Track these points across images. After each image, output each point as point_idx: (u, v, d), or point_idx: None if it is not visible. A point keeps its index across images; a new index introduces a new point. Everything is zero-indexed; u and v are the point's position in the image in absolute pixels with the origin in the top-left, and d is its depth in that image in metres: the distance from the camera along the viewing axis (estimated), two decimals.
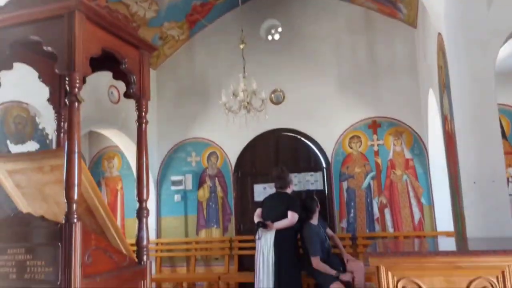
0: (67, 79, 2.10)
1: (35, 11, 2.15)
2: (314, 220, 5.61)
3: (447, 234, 5.67)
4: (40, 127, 4.74)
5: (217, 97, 6.52)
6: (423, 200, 6.12)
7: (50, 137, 4.82)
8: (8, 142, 4.31)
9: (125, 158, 7.12)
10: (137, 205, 2.61)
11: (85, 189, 2.26)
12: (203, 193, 7.04)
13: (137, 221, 2.58)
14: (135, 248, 2.64)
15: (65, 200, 2.04)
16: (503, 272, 2.00)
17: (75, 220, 2.02)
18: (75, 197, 2.04)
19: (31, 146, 4.57)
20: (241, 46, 5.59)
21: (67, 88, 2.09)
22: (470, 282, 2.04)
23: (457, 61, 3.08)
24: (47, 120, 4.74)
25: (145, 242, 2.56)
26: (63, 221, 2.03)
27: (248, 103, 5.37)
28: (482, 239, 2.69)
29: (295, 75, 6.79)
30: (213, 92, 7.01)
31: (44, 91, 2.81)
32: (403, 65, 6.36)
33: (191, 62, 7.32)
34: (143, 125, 2.64)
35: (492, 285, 2.01)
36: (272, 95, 6.83)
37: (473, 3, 3.06)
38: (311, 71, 6.73)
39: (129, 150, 6.78)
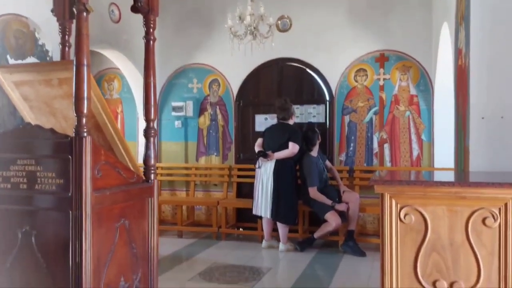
0: None
1: None
2: (314, 152, 5.68)
3: (445, 170, 5.77)
4: (40, 42, 4.60)
5: (222, 22, 6.29)
6: (423, 137, 6.16)
7: (50, 53, 4.69)
8: (8, 56, 4.19)
9: (125, 80, 7.01)
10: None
11: (94, 104, 2.23)
12: (204, 120, 7.03)
13: (143, 141, 2.58)
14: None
15: (75, 114, 2.02)
16: (506, 204, 2.04)
17: (85, 134, 2.01)
18: (85, 111, 2.01)
19: (32, 61, 4.46)
20: None
21: None
22: (473, 213, 2.09)
23: None
24: (47, 36, 4.59)
25: (152, 161, 2.58)
26: (73, 135, 2.02)
27: (255, 28, 5.19)
28: (486, 173, 2.73)
29: (304, 1, 6.51)
30: (218, 16, 6.75)
31: (43, 4, 2.67)
32: None
33: None
34: (151, 42, 2.55)
35: (494, 216, 2.06)
36: (279, 22, 6.59)
37: None
38: None
39: (130, 73, 6.66)
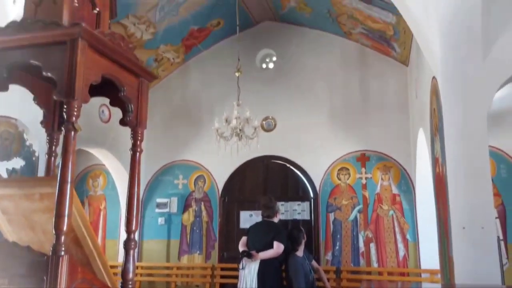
0: (65, 106, 2.07)
1: (37, 36, 2.13)
2: (300, 252, 5.55)
3: (431, 272, 5.67)
4: (28, 143, 4.65)
5: (208, 122, 6.52)
6: (408, 237, 6.13)
7: (37, 153, 4.72)
8: None
9: (110, 177, 7.01)
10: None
11: (74, 217, 2.20)
12: (188, 217, 6.94)
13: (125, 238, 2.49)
14: (114, 270, 2.56)
15: (53, 231, 1.98)
16: None
17: (63, 252, 1.96)
18: (64, 228, 1.98)
19: (17, 162, 4.47)
20: (237, 74, 5.62)
21: (65, 115, 2.05)
22: None
23: (451, 106, 3.12)
24: (35, 137, 4.66)
25: (131, 275, 2.47)
26: (50, 252, 1.97)
27: (240, 130, 5.37)
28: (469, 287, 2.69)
29: (288, 104, 6.84)
30: (204, 116, 7.01)
31: (33, 107, 2.75)
32: (394, 101, 6.46)
33: (185, 85, 7.33)
34: (138, 153, 2.59)
35: None
36: (264, 122, 6.85)
37: (469, 50, 3.13)
38: (303, 101, 6.79)
39: (116, 169, 6.68)
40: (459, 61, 3.13)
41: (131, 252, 2.50)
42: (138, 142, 2.60)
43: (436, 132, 3.61)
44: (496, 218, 5.87)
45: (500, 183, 5.89)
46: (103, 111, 5.97)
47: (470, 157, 3.01)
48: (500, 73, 3.08)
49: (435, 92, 3.57)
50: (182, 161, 7.13)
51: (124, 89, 2.45)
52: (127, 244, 2.50)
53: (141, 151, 2.61)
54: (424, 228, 5.92)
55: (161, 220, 6.96)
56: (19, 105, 4.47)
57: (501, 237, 5.82)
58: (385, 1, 4.73)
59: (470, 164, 3.00)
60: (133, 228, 2.53)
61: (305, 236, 5.64)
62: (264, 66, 7.23)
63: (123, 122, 2.62)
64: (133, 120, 2.56)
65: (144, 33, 5.88)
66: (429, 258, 5.72)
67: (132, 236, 2.53)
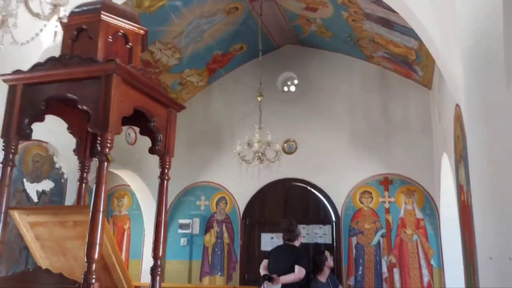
0: (99, 138, 2.16)
1: (74, 71, 2.24)
2: (323, 277, 5.45)
3: None
4: (57, 166, 4.81)
5: (229, 144, 6.60)
6: (433, 262, 6.01)
7: (65, 176, 4.88)
8: (24, 180, 4.36)
9: (135, 198, 7.14)
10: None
11: (105, 245, 2.27)
12: (210, 238, 6.98)
13: (148, 258, 2.55)
14: None
15: (85, 259, 2.05)
16: None
17: (93, 281, 2.02)
18: (95, 257, 2.05)
19: (47, 184, 4.62)
20: (259, 99, 5.71)
21: (98, 147, 2.15)
22: None
23: (475, 135, 3.11)
24: (64, 160, 4.81)
25: None
26: (81, 279, 2.04)
27: (262, 153, 5.42)
28: None
29: (309, 126, 6.88)
30: (226, 138, 7.10)
31: (62, 131, 2.87)
32: (416, 124, 6.43)
33: (208, 108, 7.47)
34: (165, 181, 2.67)
35: None
36: (285, 145, 6.90)
37: (492, 78, 3.11)
38: (324, 124, 6.82)
39: (140, 191, 6.81)
40: (482, 89, 3.12)
41: (157, 278, 2.56)
42: (166, 170, 2.69)
43: (461, 159, 3.58)
44: None
45: None
46: (129, 134, 6.13)
47: (497, 185, 2.98)
48: None
49: (458, 120, 3.56)
50: (204, 182, 7.21)
51: (154, 120, 2.55)
52: (154, 270, 2.56)
53: (168, 179, 2.69)
54: (449, 254, 5.81)
55: (183, 241, 7.01)
56: (49, 129, 4.63)
57: None
58: (406, 27, 4.76)
59: (496, 194, 2.96)
60: (160, 254, 2.59)
61: (330, 260, 5.45)
62: (286, 89, 7.32)
63: (152, 151, 2.71)
64: (162, 149, 2.65)
65: (170, 59, 6.06)
66: (455, 284, 5.58)
67: (158, 262, 2.59)
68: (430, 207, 6.18)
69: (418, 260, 6.08)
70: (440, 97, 5.14)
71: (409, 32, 4.89)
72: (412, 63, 5.96)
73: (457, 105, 3.55)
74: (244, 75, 7.26)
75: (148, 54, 5.70)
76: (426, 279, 6.00)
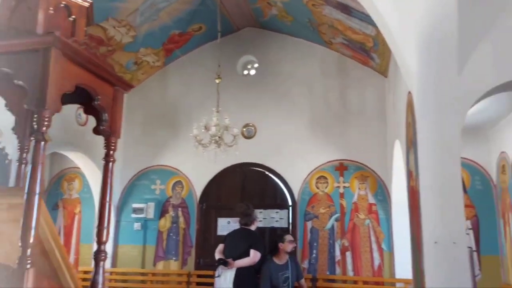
0: (35, 115, 2.02)
1: (9, 44, 2.08)
2: (280, 260, 5.33)
3: (405, 281, 5.74)
4: (0, 146, 4.54)
5: (187, 127, 6.47)
6: (383, 246, 6.20)
7: (9, 157, 4.61)
8: None
9: (86, 180, 6.89)
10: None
11: (43, 230, 2.15)
12: (165, 223, 6.87)
13: (93, 264, 2.46)
14: (87, 276, 2.51)
15: (20, 243, 1.93)
16: None
17: (28, 265, 1.91)
18: (31, 240, 1.93)
19: None
20: (217, 81, 5.61)
21: (35, 125, 2.01)
22: None
23: (425, 121, 3.17)
24: (9, 139, 4.54)
25: (100, 287, 2.43)
26: (16, 264, 1.92)
27: (219, 137, 5.35)
28: None
29: (269, 111, 6.85)
30: (183, 121, 6.96)
31: (7, 111, 2.69)
32: (372, 111, 6.54)
33: (164, 90, 7.28)
34: (110, 163, 2.56)
35: None
36: (244, 129, 6.85)
37: (445, 66, 3.18)
38: (284, 108, 6.81)
39: (92, 173, 6.58)
40: (434, 77, 3.18)
41: (101, 263, 2.46)
42: (111, 152, 2.57)
43: (411, 145, 3.66)
44: (469, 229, 5.99)
45: (474, 195, 6.01)
46: (80, 114, 5.87)
47: (443, 172, 3.06)
48: (474, 89, 3.13)
49: (410, 107, 3.62)
50: (160, 166, 7.06)
51: (99, 98, 2.41)
52: (97, 256, 2.46)
53: (114, 161, 2.57)
54: (399, 238, 6.00)
55: (137, 226, 6.87)
56: None
57: (474, 248, 5.94)
58: (364, 14, 4.78)
59: (443, 179, 3.05)
60: (104, 239, 2.49)
61: (286, 244, 5.27)
62: (245, 72, 7.24)
63: (96, 131, 2.58)
64: (107, 130, 2.52)
65: (124, 37, 5.82)
66: (404, 267, 5.78)
67: (102, 247, 2.49)
68: (382, 192, 6.34)
69: (369, 244, 6.25)
70: (395, 84, 5.23)
71: (367, 18, 4.92)
72: (370, 50, 6.02)
73: (409, 92, 3.61)
74: (203, 57, 7.11)
75: (101, 30, 5.44)
76: (376, 262, 6.19)
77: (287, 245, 5.24)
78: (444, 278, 2.88)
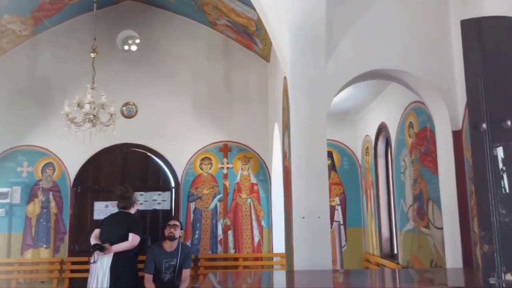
0: None
1: None
2: (168, 247, 5.16)
3: (282, 256, 6.10)
4: None
5: (59, 105, 5.97)
6: (263, 223, 6.49)
7: None
8: None
9: None
10: None
11: None
12: (34, 208, 6.30)
13: None
14: None
15: None
16: None
17: None
18: None
19: None
20: (92, 55, 5.23)
21: None
22: None
23: (297, 106, 3.36)
24: None
25: None
26: None
27: (94, 116, 5.02)
28: (306, 272, 2.95)
29: (151, 90, 6.62)
30: (56, 98, 6.39)
31: None
32: (255, 95, 6.72)
33: (34, 61, 6.57)
34: None
35: None
36: (124, 108, 6.54)
37: (314, 56, 3.41)
38: (167, 88, 6.65)
39: None
40: (305, 66, 3.38)
41: None
42: None
43: (286, 128, 3.85)
44: (338, 205, 6.57)
45: (343, 174, 6.59)
46: None
47: (310, 154, 3.30)
48: (338, 78, 3.41)
49: (285, 91, 3.79)
50: (27, 146, 6.41)
51: None
52: None
53: None
54: (277, 215, 6.33)
55: (1, 212, 6.19)
56: None
57: (341, 222, 6.54)
58: None
59: (310, 160, 3.28)
60: None
61: (168, 228, 5.11)
62: (126, 48, 6.87)
63: None
64: None
65: None
66: (281, 243, 6.11)
67: None
68: (263, 172, 6.60)
69: (250, 222, 6.49)
70: (275, 70, 5.43)
71: (249, 2, 4.98)
72: (253, 35, 6.14)
73: (285, 78, 3.77)
74: (78, 28, 6.56)
75: None
76: (256, 239, 6.46)
77: (168, 230, 5.16)
78: (310, 248, 3.13)
